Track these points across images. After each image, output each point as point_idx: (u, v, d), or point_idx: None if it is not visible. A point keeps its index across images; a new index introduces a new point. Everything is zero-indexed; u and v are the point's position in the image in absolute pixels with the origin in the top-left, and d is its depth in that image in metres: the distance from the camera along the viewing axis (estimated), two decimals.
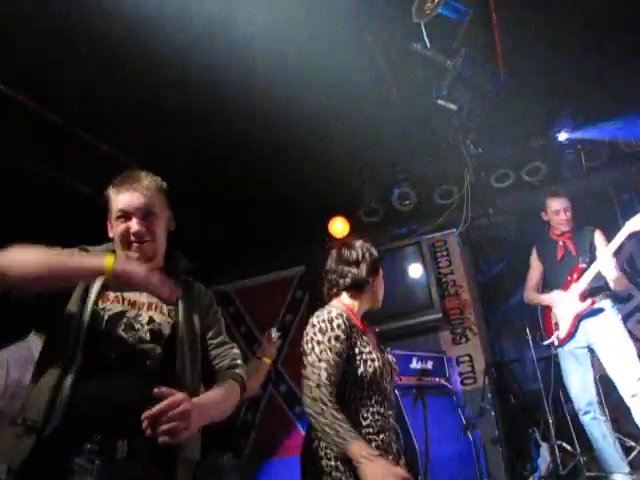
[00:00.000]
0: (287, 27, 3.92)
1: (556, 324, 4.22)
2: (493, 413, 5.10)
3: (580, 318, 4.15)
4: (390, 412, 2.38)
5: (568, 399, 5.09)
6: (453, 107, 4.81)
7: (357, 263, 2.57)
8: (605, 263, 4.06)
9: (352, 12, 4.02)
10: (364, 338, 2.41)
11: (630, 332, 5.74)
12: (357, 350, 2.31)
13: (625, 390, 3.92)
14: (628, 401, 3.91)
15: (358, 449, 2.04)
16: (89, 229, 2.49)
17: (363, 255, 2.60)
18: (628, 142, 5.84)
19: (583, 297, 4.15)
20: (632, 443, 4.65)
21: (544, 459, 5.00)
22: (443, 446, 4.31)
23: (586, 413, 4.03)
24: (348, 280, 2.54)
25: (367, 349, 2.35)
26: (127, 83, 4.21)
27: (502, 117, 5.37)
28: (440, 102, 4.83)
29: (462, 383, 5.28)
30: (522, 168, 5.89)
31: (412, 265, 5.65)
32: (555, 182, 6.00)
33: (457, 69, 4.58)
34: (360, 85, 4.71)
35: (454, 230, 5.80)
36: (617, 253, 4.18)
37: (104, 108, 4.45)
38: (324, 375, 2.20)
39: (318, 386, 2.18)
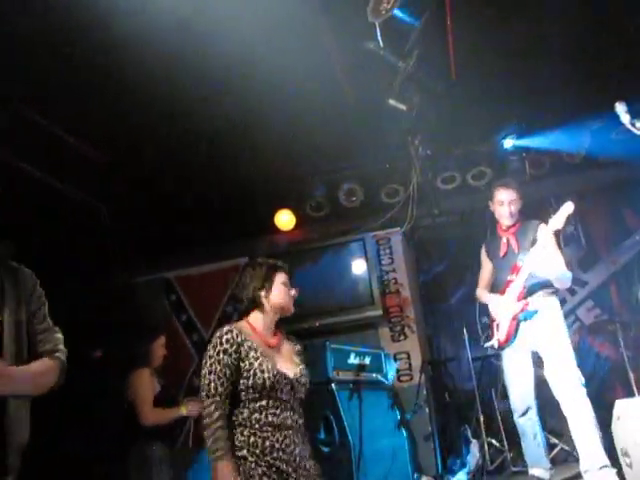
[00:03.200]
0: (241, 20, 3.88)
1: (497, 326, 4.15)
2: (427, 410, 5.21)
3: (518, 320, 3.99)
4: (290, 416, 2.55)
5: (501, 398, 5.28)
6: (403, 108, 4.85)
7: (249, 284, 2.73)
8: (535, 263, 3.84)
9: (309, 8, 4.01)
10: (259, 351, 2.54)
11: (580, 320, 5.98)
12: (247, 363, 2.49)
13: (559, 394, 3.82)
14: (562, 405, 3.81)
15: (220, 469, 2.33)
16: None
17: (253, 273, 2.75)
18: (570, 153, 6.05)
19: (519, 298, 3.99)
20: (555, 440, 4.86)
21: (474, 455, 5.15)
22: (377, 441, 4.36)
23: (523, 415, 3.98)
24: (245, 304, 2.73)
25: (258, 362, 2.50)
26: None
27: (451, 121, 5.47)
28: (391, 102, 4.87)
29: (399, 379, 5.37)
30: (468, 171, 6.03)
31: (355, 261, 5.69)
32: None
33: (409, 71, 4.63)
34: (314, 81, 4.70)
35: (398, 229, 5.87)
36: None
37: None
38: (212, 387, 2.45)
39: (207, 397, 2.45)
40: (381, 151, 5.88)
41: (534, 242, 3.90)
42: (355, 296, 5.55)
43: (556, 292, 4.10)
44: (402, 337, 5.55)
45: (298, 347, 2.84)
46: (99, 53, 3.97)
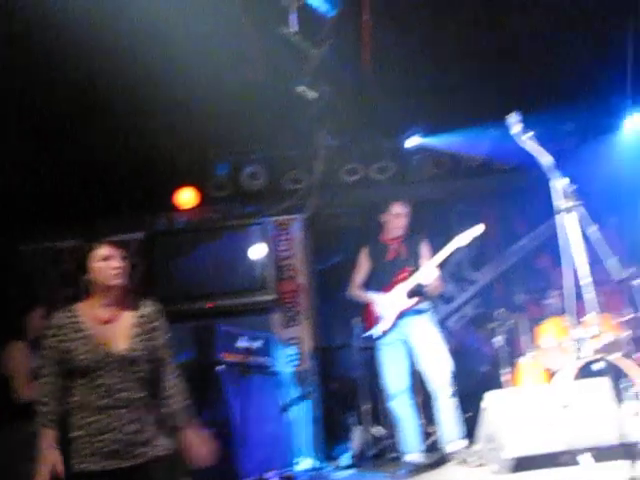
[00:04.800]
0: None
1: (377, 318, 4.40)
2: (314, 395, 5.29)
3: (402, 315, 4.36)
4: (126, 395, 2.48)
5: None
6: (312, 95, 4.87)
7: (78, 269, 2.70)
8: (427, 273, 4.32)
9: None
10: (84, 332, 2.51)
11: (449, 330, 6.26)
12: (69, 345, 2.48)
13: (434, 388, 4.26)
14: (436, 398, 4.25)
15: (41, 439, 2.42)
16: None
17: (79, 257, 2.71)
18: (470, 157, 6.31)
19: (409, 295, 4.37)
20: (431, 430, 5.08)
21: (356, 441, 5.30)
22: (261, 425, 4.38)
23: (396, 399, 4.27)
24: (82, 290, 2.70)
25: (79, 343, 2.47)
26: None
27: (359, 113, 5.54)
28: (300, 89, 4.88)
29: (288, 365, 5.41)
30: (371, 165, 6.14)
31: (253, 245, 5.67)
32: (401, 183, 6.34)
33: (321, 59, 4.64)
34: (226, 63, 4.65)
35: (299, 216, 5.90)
36: (442, 264, 4.42)
37: None
38: (42, 371, 2.52)
39: (39, 378, 2.52)
40: (288, 137, 5.88)
41: (417, 254, 4.49)
42: (250, 280, 5.53)
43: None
44: (294, 323, 5.61)
45: (147, 310, 2.66)
46: None
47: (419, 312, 4.41)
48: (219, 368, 4.20)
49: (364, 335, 4.48)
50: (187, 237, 5.85)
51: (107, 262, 2.59)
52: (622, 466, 2.21)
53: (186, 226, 6.10)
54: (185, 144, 5.70)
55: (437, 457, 4.35)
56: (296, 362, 5.46)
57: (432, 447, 4.61)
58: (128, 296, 2.68)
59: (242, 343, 4.56)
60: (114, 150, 5.56)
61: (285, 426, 4.78)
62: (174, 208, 6.23)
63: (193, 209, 6.26)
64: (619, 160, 6.32)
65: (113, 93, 4.79)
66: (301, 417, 5.17)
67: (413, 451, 4.21)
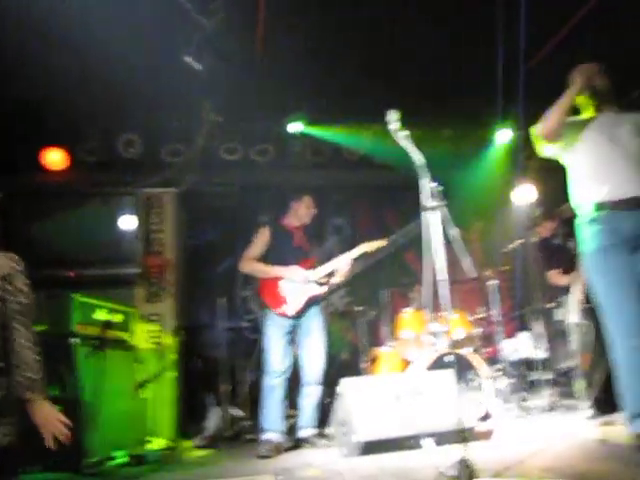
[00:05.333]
0: None
1: (283, 297, 4.42)
2: (173, 374, 5.18)
3: (310, 301, 4.48)
4: None
5: (252, 369, 5.52)
6: (198, 67, 4.73)
7: None
8: (339, 267, 4.58)
9: None
10: None
11: (333, 305, 6.37)
12: None
13: (306, 375, 4.44)
14: (306, 384, 4.44)
15: None
16: None
17: None
18: (350, 149, 6.45)
19: (319, 284, 4.54)
20: (293, 412, 5.16)
21: (212, 422, 5.27)
22: (116, 402, 4.20)
23: (278, 377, 4.28)
24: None
25: None
26: None
27: (245, 93, 5.46)
28: (187, 59, 4.73)
29: (148, 341, 5.25)
30: (252, 146, 6.10)
31: (124, 215, 5.41)
32: (280, 168, 6.35)
33: (212, 32, 4.53)
34: (115, 26, 4.40)
35: (174, 189, 5.72)
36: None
37: None
38: None
39: None
40: (171, 108, 5.68)
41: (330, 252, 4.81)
42: (116, 251, 5.29)
43: None
44: (158, 299, 5.44)
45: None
46: None
47: (317, 302, 4.57)
48: (72, 340, 3.97)
49: (277, 311, 4.41)
50: (51, 201, 5.48)
51: None
52: (457, 449, 2.36)
53: (50, 189, 5.72)
54: (58, 102, 5.33)
55: (292, 440, 4.44)
56: (157, 339, 5.30)
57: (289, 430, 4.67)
58: None
59: (101, 316, 4.35)
60: None
61: (140, 404, 4.64)
62: (42, 169, 5.83)
63: (61, 172, 5.89)
64: (488, 169, 6.76)
65: None
66: (158, 395, 5.04)
67: (275, 430, 4.24)
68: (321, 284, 4.54)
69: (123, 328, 4.56)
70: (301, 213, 4.78)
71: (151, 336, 5.29)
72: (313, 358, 4.47)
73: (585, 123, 3.33)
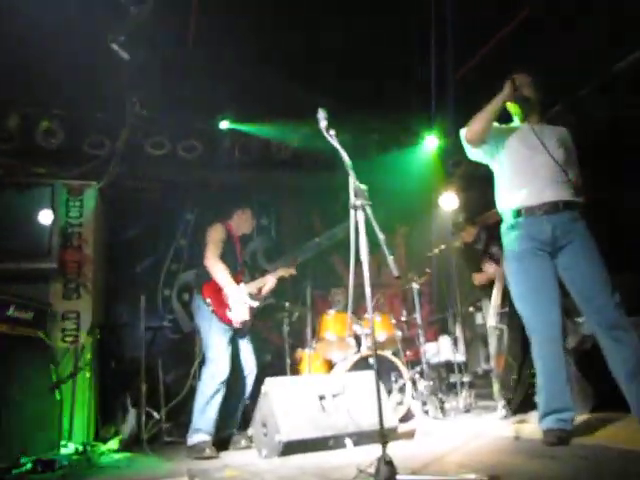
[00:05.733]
0: None
1: (228, 305, 4.38)
2: (88, 374, 4.99)
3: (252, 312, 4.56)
4: None
5: (166, 370, 5.40)
6: (125, 57, 4.58)
7: None
8: (270, 283, 4.72)
9: None
10: None
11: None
12: None
13: (247, 369, 4.55)
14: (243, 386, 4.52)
15: None
16: None
17: None
18: (280, 148, 6.41)
19: (257, 296, 4.62)
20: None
21: (129, 423, 5.10)
22: (26, 403, 3.99)
23: (221, 382, 4.17)
24: None
25: None
26: None
27: (175, 87, 5.33)
28: (114, 47, 4.57)
29: (63, 340, 5.02)
30: (179, 142, 5.96)
31: (40, 207, 5.12)
32: (208, 164, 6.24)
33: (142, 21, 4.39)
34: (44, 5, 4.16)
35: (95, 183, 5.50)
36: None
37: None
38: None
39: None
40: (95, 97, 5.43)
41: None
42: (31, 244, 4.99)
43: None
44: (75, 295, 5.20)
45: None
46: None
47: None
48: None
49: (223, 319, 4.37)
50: None
51: None
52: (378, 449, 2.38)
53: None
54: None
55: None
56: (72, 337, 5.08)
57: None
58: None
59: (12, 312, 4.13)
60: None
61: (54, 406, 4.42)
62: None
63: None
64: (414, 175, 6.88)
65: None
66: (72, 397, 4.83)
67: (211, 433, 4.13)
68: (252, 297, 4.58)
69: (36, 325, 4.35)
70: (244, 224, 4.83)
71: (67, 335, 5.06)
72: (248, 361, 4.55)
73: (511, 131, 3.45)
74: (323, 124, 2.97)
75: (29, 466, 3.69)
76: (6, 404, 3.75)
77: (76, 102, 5.51)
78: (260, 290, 4.70)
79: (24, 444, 3.88)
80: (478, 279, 5.46)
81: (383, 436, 2.40)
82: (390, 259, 2.47)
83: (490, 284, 5.15)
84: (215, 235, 4.55)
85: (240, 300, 4.42)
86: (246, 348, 4.59)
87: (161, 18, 4.44)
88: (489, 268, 5.32)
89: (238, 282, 4.49)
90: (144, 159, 5.89)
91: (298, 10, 4.73)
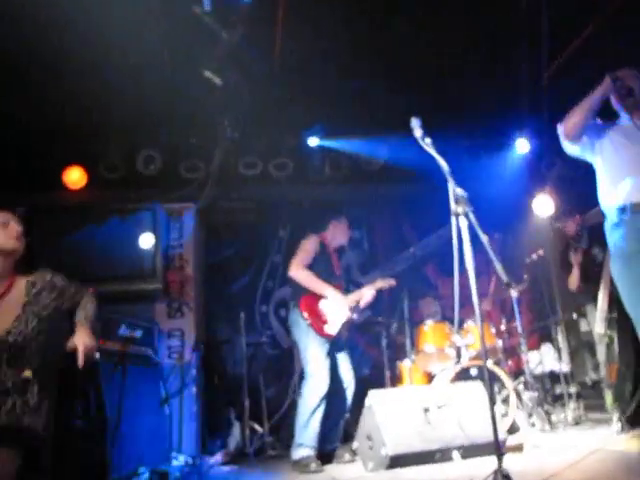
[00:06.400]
0: None
1: (325, 319, 4.36)
2: (194, 390, 5.16)
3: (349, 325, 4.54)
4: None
5: (267, 385, 5.49)
6: (218, 82, 4.76)
7: None
8: (367, 296, 4.57)
9: None
10: None
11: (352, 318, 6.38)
12: None
13: (345, 382, 4.47)
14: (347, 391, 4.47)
15: None
16: None
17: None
18: (369, 161, 6.43)
19: (351, 310, 4.51)
20: None
21: (234, 437, 5.23)
22: (138, 417, 4.19)
23: (322, 397, 4.13)
24: None
25: None
26: None
27: (263, 107, 5.46)
28: (207, 74, 4.76)
29: (169, 357, 5.24)
30: (271, 161, 6.10)
31: (143, 231, 5.40)
32: (299, 182, 6.34)
33: (231, 45, 4.55)
34: (131, 40, 4.40)
35: (193, 205, 5.74)
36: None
37: None
38: None
39: None
40: (189, 123, 5.69)
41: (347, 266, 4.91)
42: (136, 266, 5.27)
43: None
44: (179, 314, 5.42)
45: (35, 290, 2.53)
46: None
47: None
48: (96, 355, 3.96)
49: (326, 333, 4.34)
50: (71, 217, 5.50)
51: (5, 228, 2.49)
52: (488, 461, 2.30)
53: (70, 205, 5.75)
54: (79, 121, 5.38)
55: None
56: (178, 354, 5.28)
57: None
58: (19, 269, 2.53)
59: (122, 331, 4.35)
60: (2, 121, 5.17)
61: (163, 420, 4.62)
62: (62, 187, 5.86)
63: (82, 189, 5.92)
64: (506, 180, 6.70)
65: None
66: (180, 411, 5.02)
67: (314, 447, 4.12)
68: (351, 309, 4.53)
69: (145, 343, 4.56)
70: (340, 234, 4.76)
71: (172, 351, 5.27)
72: (346, 374, 4.48)
73: (614, 125, 3.29)
74: (418, 133, 2.95)
75: (147, 476, 3.85)
76: (121, 417, 3.94)
77: (171, 129, 5.79)
78: (358, 303, 4.61)
79: (140, 455, 4.06)
80: (573, 282, 5.18)
81: (499, 448, 2.33)
82: (499, 266, 2.41)
83: (591, 284, 4.89)
84: (306, 245, 4.51)
85: (337, 309, 4.37)
86: (344, 361, 4.54)
87: (247, 39, 4.59)
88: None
89: None
90: (237, 179, 6.06)
91: (374, 20, 4.76)
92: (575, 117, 3.22)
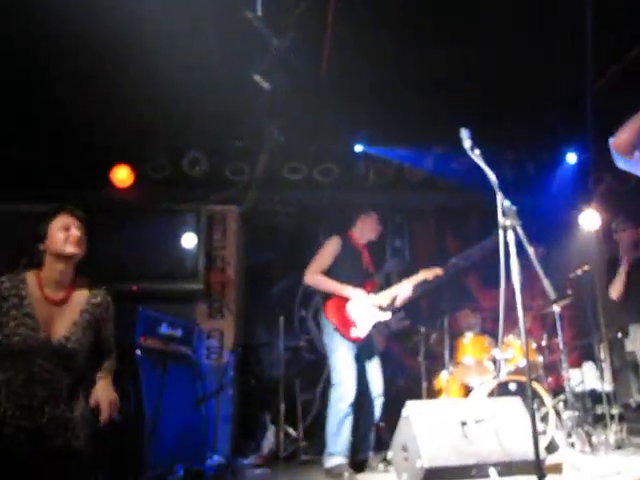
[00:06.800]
0: None
1: (351, 321, 4.26)
2: (231, 391, 5.20)
3: (375, 326, 4.37)
4: (48, 384, 2.33)
5: (302, 390, 5.49)
6: (267, 86, 4.79)
7: (34, 236, 2.54)
8: (402, 293, 4.43)
9: None
10: (26, 309, 2.34)
11: (389, 328, 6.31)
12: (5, 319, 2.31)
13: (375, 391, 4.38)
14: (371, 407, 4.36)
15: None
16: None
17: (37, 223, 2.55)
18: (413, 170, 6.41)
19: (381, 308, 4.37)
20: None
21: (268, 441, 5.25)
22: (175, 416, 4.24)
23: (352, 404, 4.11)
24: (33, 256, 2.53)
25: (15, 322, 2.30)
26: None
27: (310, 113, 5.49)
28: (256, 78, 4.80)
29: (208, 357, 5.29)
30: (316, 166, 6.12)
31: (187, 231, 5.48)
32: (343, 188, 6.35)
33: (281, 50, 4.59)
34: (181, 41, 4.49)
35: (236, 207, 5.80)
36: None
37: None
38: None
39: None
40: (235, 126, 5.75)
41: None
42: (179, 266, 5.35)
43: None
44: (219, 315, 5.48)
45: (94, 301, 2.56)
46: None
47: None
48: (137, 352, 4.04)
49: (352, 336, 4.25)
50: (117, 216, 5.62)
51: (62, 231, 2.46)
52: None
53: (116, 203, 5.87)
54: (126, 121, 5.50)
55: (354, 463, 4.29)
56: (216, 355, 5.33)
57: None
58: (79, 277, 2.56)
59: (163, 329, 4.42)
60: (52, 121, 5.33)
61: (199, 419, 4.66)
62: (109, 185, 6.00)
63: (128, 188, 6.05)
64: (554, 194, 6.59)
65: (54, 63, 4.58)
66: (216, 412, 5.06)
67: (346, 455, 4.09)
68: (383, 309, 4.39)
69: (185, 343, 4.62)
70: (369, 229, 4.62)
71: (211, 352, 5.32)
72: (375, 383, 4.38)
73: None
74: (467, 144, 2.92)
75: (181, 474, 3.89)
76: (159, 414, 3.99)
77: (218, 131, 5.86)
78: (394, 300, 4.44)
79: (176, 453, 4.11)
80: (615, 289, 5.00)
81: (540, 468, 2.28)
82: (546, 281, 2.37)
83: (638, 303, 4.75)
84: (324, 249, 4.43)
85: (365, 310, 4.26)
86: (375, 370, 4.43)
87: (298, 45, 4.62)
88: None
89: (367, 293, 4.35)
90: (282, 184, 6.11)
91: (423, 29, 4.73)
92: (627, 132, 3.15)
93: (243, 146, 5.93)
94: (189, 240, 5.48)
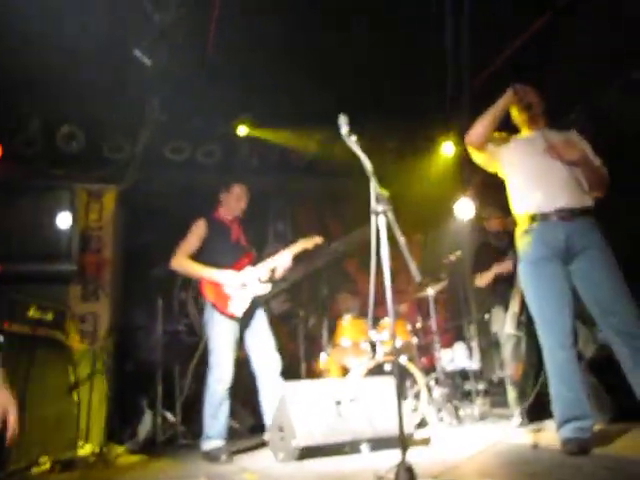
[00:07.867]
0: None
1: (229, 295, 4.17)
2: (105, 376, 5.03)
3: (254, 300, 4.30)
4: None
5: (182, 374, 5.41)
6: (148, 62, 4.62)
7: None
8: (282, 262, 4.38)
9: None
10: None
11: (271, 310, 6.32)
12: None
13: (267, 378, 4.26)
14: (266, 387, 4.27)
15: None
16: None
17: None
18: (297, 155, 6.45)
19: (260, 281, 4.31)
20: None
21: (145, 425, 5.14)
22: (44, 404, 4.03)
23: (227, 385, 4.04)
24: None
25: None
26: None
27: (194, 92, 5.37)
28: (136, 53, 4.61)
29: (81, 341, 5.08)
30: (199, 147, 6.00)
31: (60, 210, 5.17)
32: (226, 170, 6.27)
33: (165, 27, 4.44)
34: (61, 11, 4.23)
35: (115, 187, 5.57)
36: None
37: None
38: None
39: None
40: (115, 102, 5.50)
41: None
42: (51, 246, 5.05)
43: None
44: (93, 298, 5.26)
45: None
46: None
47: (260, 301, 4.40)
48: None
49: (228, 312, 4.14)
50: None
51: None
52: (395, 454, 2.38)
53: None
54: None
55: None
56: (90, 339, 5.12)
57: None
58: None
59: (33, 313, 4.17)
60: None
61: (72, 406, 4.46)
62: None
63: None
64: (430, 182, 6.89)
65: None
66: (91, 398, 4.87)
67: (223, 437, 4.06)
68: (263, 282, 4.34)
69: (56, 326, 4.38)
70: (233, 202, 4.53)
71: (85, 336, 5.11)
72: (269, 358, 4.28)
73: (521, 137, 3.48)
74: (344, 130, 2.98)
75: (48, 466, 3.72)
76: (26, 404, 3.78)
77: (96, 106, 5.58)
78: (274, 272, 4.40)
79: (43, 444, 3.91)
80: (484, 279, 5.35)
81: (403, 442, 2.40)
82: (412, 265, 2.48)
83: (503, 287, 5.10)
84: (189, 233, 4.37)
85: (238, 285, 4.20)
86: (265, 345, 4.31)
87: (181, 21, 4.49)
88: (507, 266, 5.17)
89: (243, 267, 4.29)
90: (163, 163, 5.93)
91: (310, 14, 4.76)
92: (479, 127, 3.38)
93: (123, 123, 5.68)
94: (63, 220, 5.18)
